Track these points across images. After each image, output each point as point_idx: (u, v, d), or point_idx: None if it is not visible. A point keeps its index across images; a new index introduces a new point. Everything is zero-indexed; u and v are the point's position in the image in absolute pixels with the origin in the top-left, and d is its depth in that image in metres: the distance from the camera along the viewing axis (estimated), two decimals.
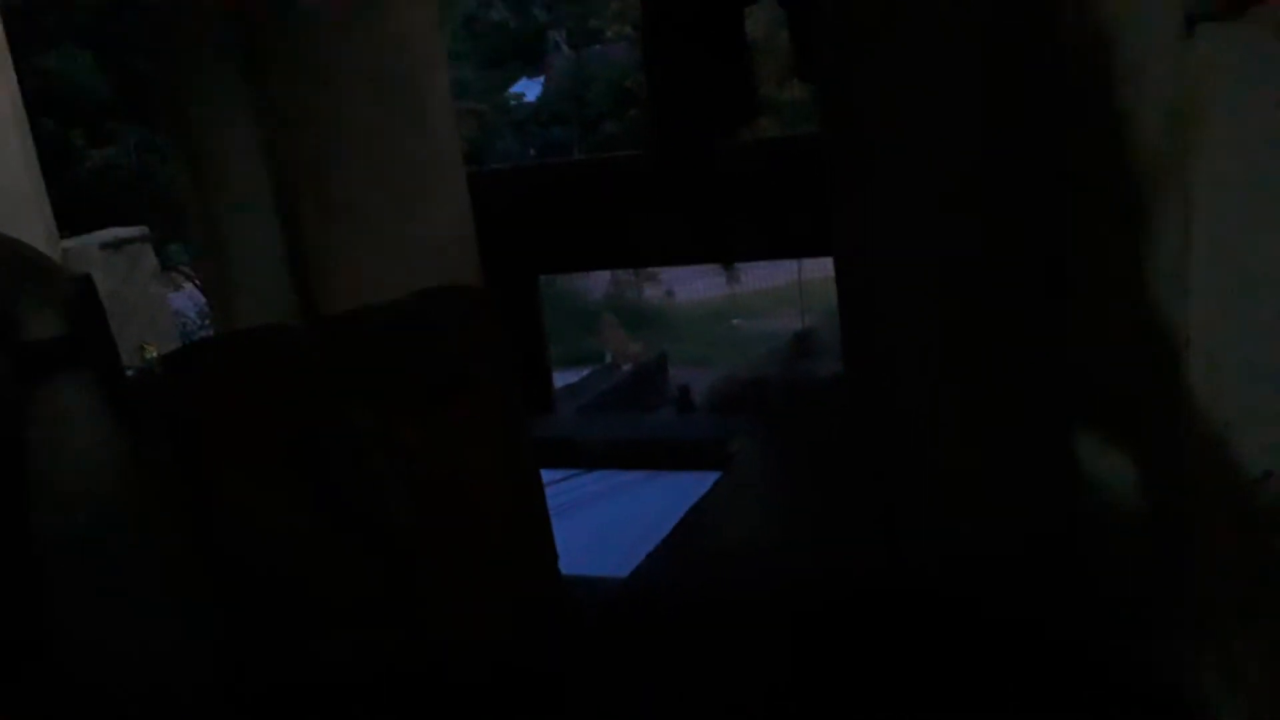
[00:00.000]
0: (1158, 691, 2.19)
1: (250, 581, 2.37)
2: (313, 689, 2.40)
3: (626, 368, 11.45)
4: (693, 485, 4.67)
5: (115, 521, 2.23)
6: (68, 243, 6.66)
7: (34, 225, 5.77)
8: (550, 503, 3.09)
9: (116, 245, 6.96)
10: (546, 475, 4.20)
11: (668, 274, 15.15)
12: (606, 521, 4.81)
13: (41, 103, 9.05)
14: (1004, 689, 2.48)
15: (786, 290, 12.79)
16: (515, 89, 20.15)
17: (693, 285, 15.26)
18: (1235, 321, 1.90)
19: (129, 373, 3.26)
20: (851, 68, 2.76)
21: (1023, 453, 2.66)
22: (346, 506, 2.40)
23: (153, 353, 6.32)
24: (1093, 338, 2.38)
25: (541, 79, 20.15)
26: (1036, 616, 2.55)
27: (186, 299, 11.22)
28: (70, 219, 7.13)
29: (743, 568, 3.33)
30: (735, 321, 14.79)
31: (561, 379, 9.47)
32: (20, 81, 6.28)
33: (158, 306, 7.34)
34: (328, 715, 2.39)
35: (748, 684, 2.68)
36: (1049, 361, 2.52)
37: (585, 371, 10.99)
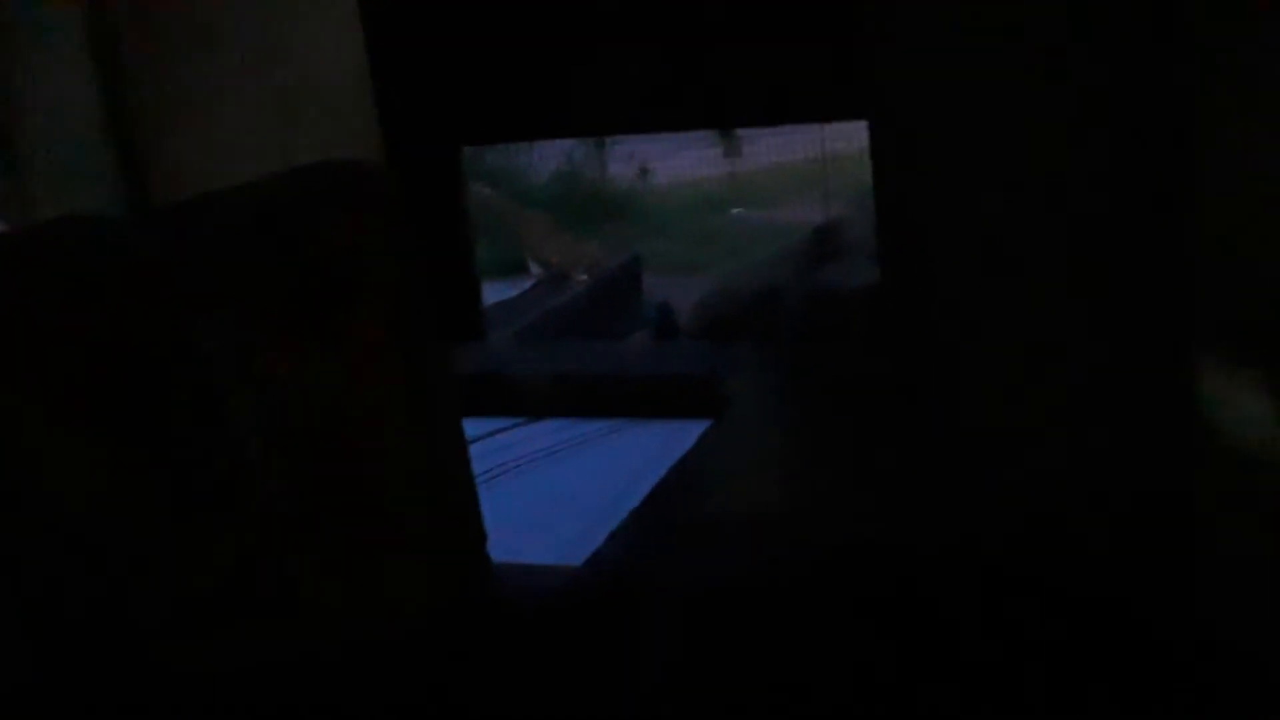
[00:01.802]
0: None
1: (56, 569, 2.38)
2: (154, 708, 2.44)
3: (583, 278, 11.46)
4: (673, 439, 4.71)
5: None
6: None
7: None
8: (479, 464, 3.10)
9: None
10: (474, 425, 4.24)
11: (642, 145, 15.09)
12: (556, 491, 4.83)
13: None
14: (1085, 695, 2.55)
15: (806, 168, 12.80)
16: None
17: (677, 161, 15.23)
18: None
19: None
20: None
21: (1121, 392, 2.71)
22: (190, 463, 2.41)
23: None
24: (1223, 248, 2.42)
25: None
26: (1129, 600, 2.62)
27: None
28: None
29: (735, 551, 3.37)
30: (735, 211, 14.80)
31: (497, 293, 9.47)
32: None
33: None
34: None
35: (735, 702, 2.74)
36: (1161, 276, 2.57)
37: (529, 283, 11.01)
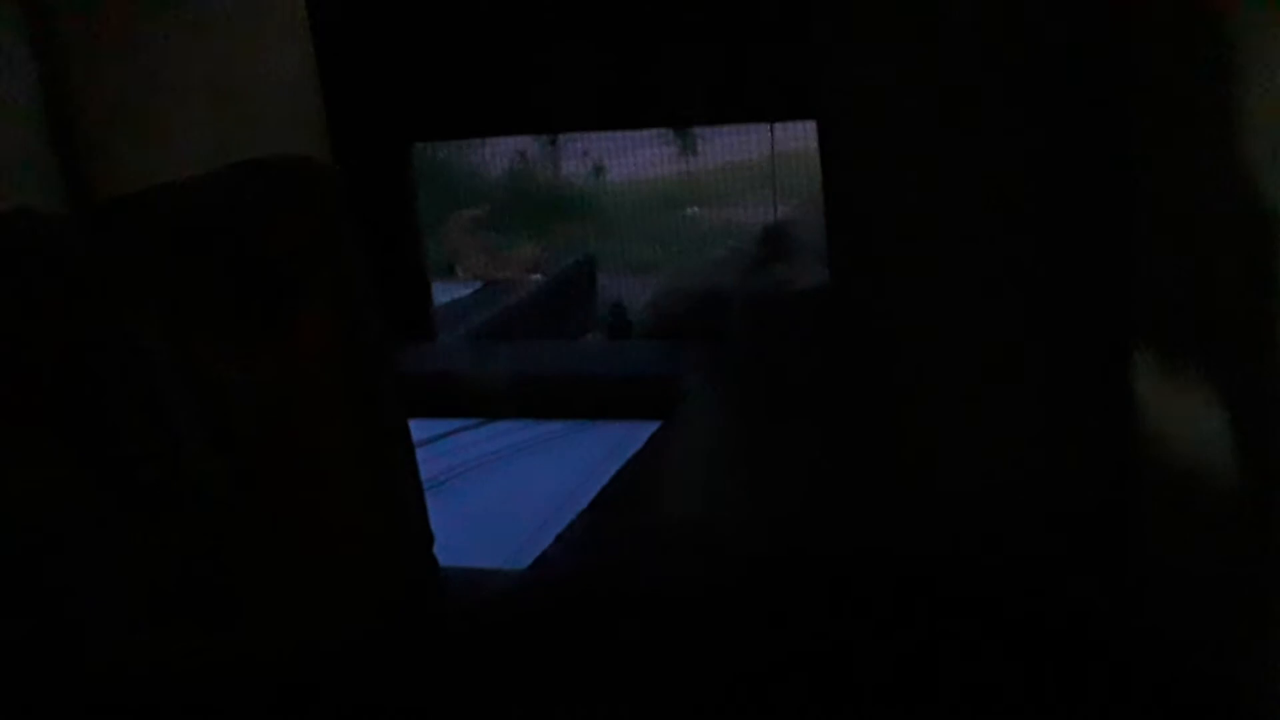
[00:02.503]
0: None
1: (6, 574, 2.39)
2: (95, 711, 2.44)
3: (537, 277, 11.43)
4: (625, 440, 4.73)
5: None
6: None
7: None
8: (429, 467, 3.10)
9: None
10: (425, 427, 4.24)
11: (597, 143, 15.06)
12: (504, 494, 4.85)
13: None
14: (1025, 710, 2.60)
15: (760, 167, 12.82)
16: None
17: (632, 159, 15.20)
18: None
19: None
20: None
21: (1060, 396, 2.75)
22: (130, 460, 2.42)
23: None
24: (1162, 250, 2.46)
25: None
26: (1071, 613, 2.67)
27: None
28: None
29: (684, 554, 3.40)
30: (691, 210, 14.78)
31: (448, 292, 9.44)
32: None
33: None
34: None
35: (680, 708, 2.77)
36: (1100, 279, 2.61)
37: (480, 283, 10.96)
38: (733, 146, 13.70)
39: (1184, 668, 2.48)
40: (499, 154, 14.55)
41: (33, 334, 2.36)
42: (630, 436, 4.79)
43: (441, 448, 5.27)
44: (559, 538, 3.82)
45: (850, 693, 2.71)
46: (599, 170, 15.63)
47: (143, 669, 2.48)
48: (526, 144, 14.56)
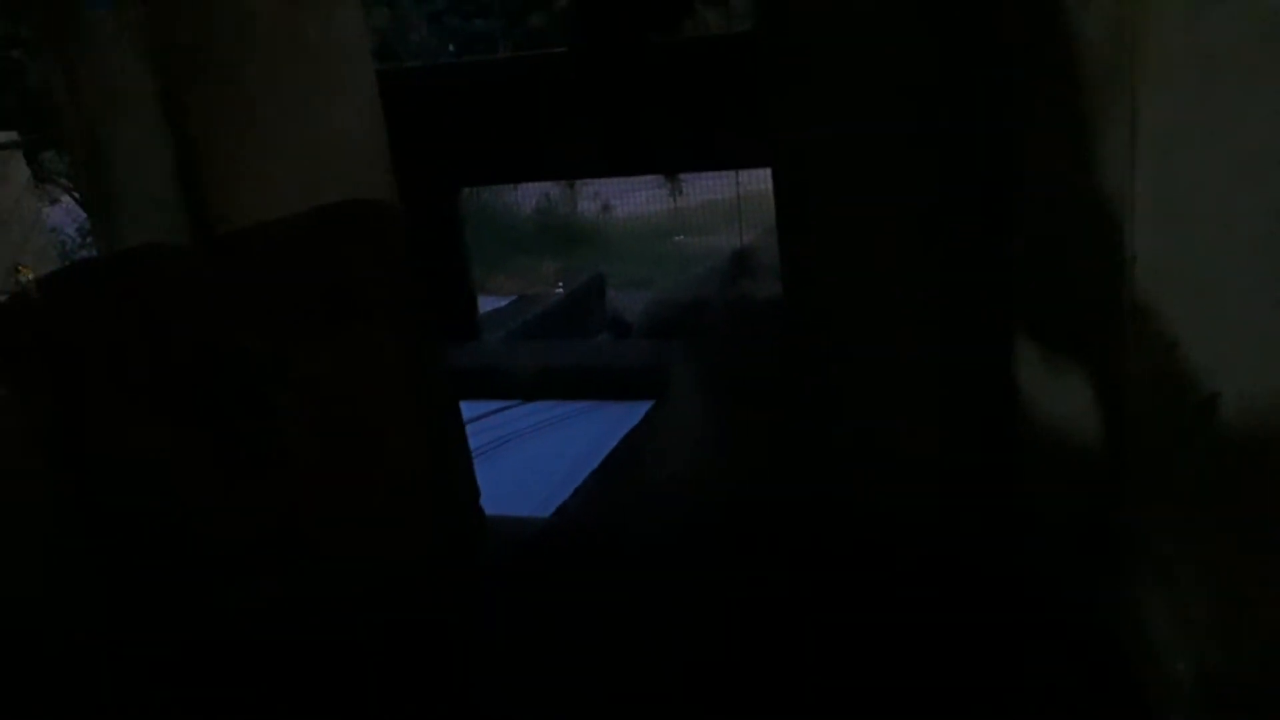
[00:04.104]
0: (1095, 633, 2.32)
1: (134, 527, 2.39)
2: (212, 644, 2.44)
3: (559, 291, 11.43)
4: (628, 415, 4.75)
5: None
6: None
7: None
8: (476, 440, 3.12)
9: None
10: (472, 410, 4.25)
11: (605, 187, 15.07)
12: (534, 457, 4.86)
13: None
14: (936, 625, 2.60)
15: (730, 204, 12.83)
16: None
17: (632, 199, 15.20)
18: (1180, 238, 1.99)
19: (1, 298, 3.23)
20: None
21: (965, 376, 2.76)
22: (239, 439, 2.43)
23: (27, 275, 6.24)
24: (1039, 256, 2.47)
25: None
26: (974, 549, 2.67)
27: (64, 214, 11.00)
28: None
29: (673, 502, 3.41)
30: (678, 238, 14.78)
31: (489, 303, 9.45)
32: None
33: (32, 222, 7.22)
34: (228, 669, 2.44)
35: (678, 626, 2.77)
36: (995, 282, 2.61)
37: (514, 296, 10.98)
38: (709, 189, 13.76)
39: (1051, 592, 2.48)
40: (529, 195, 14.61)
41: (164, 340, 2.36)
42: (630, 414, 4.80)
43: (484, 424, 5.29)
44: (575, 492, 3.83)
45: (797, 606, 2.74)
46: (606, 208, 15.73)
47: (251, 598, 2.49)
48: (550, 187, 14.61)
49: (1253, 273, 1.92)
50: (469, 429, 3.12)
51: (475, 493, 2.89)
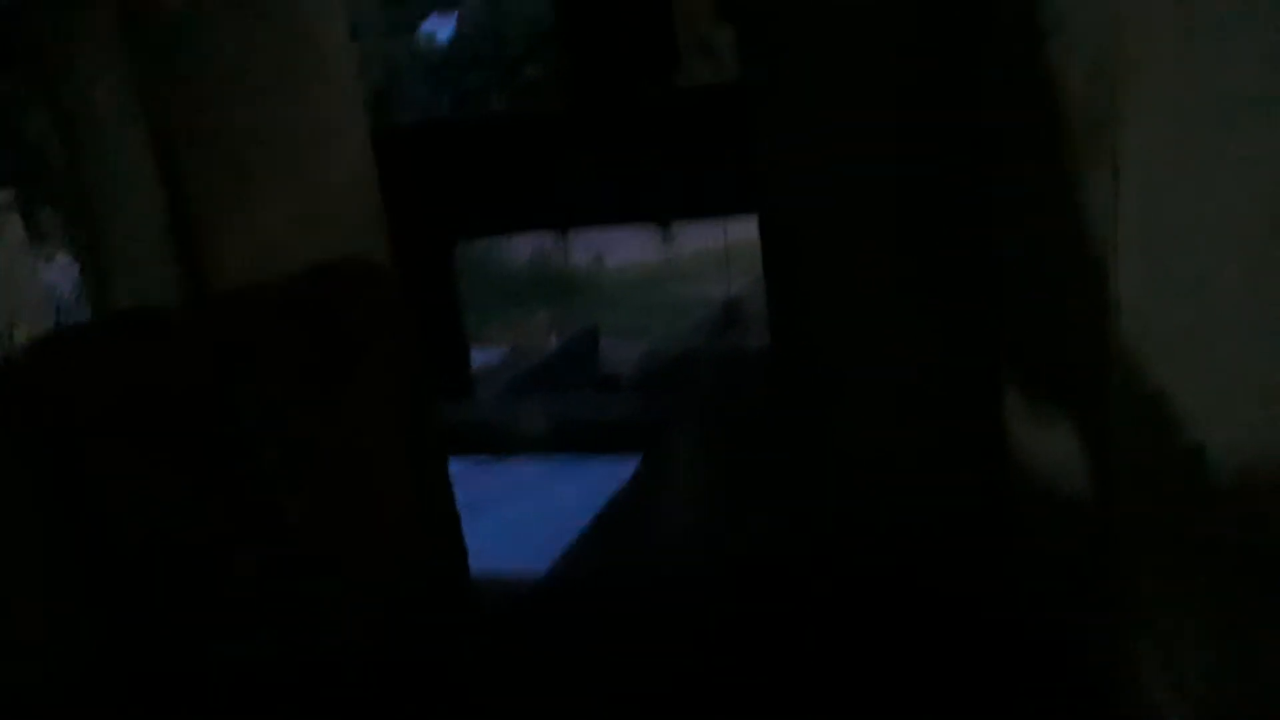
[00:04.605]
0: (1092, 675, 2.32)
1: (131, 578, 2.39)
2: (203, 690, 2.44)
3: (553, 341, 11.43)
4: (619, 471, 4.74)
5: None
6: None
7: None
8: (466, 497, 3.12)
9: None
10: (465, 465, 4.24)
11: (598, 238, 15.13)
12: (526, 514, 4.85)
13: None
14: (936, 669, 2.60)
15: (724, 253, 12.89)
16: (424, 28, 19.84)
17: (625, 249, 15.27)
18: (1166, 284, 2.01)
19: None
20: (771, 4, 2.84)
21: (953, 427, 2.77)
22: (235, 498, 2.44)
23: (23, 333, 6.24)
24: (1023, 303, 2.49)
25: (454, 16, 19.87)
26: (971, 595, 2.68)
27: (60, 272, 11.01)
28: None
29: (662, 562, 3.41)
30: (670, 286, 14.83)
31: (483, 356, 9.45)
32: None
33: (27, 280, 7.24)
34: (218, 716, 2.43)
35: (666, 682, 2.77)
36: (980, 332, 2.64)
37: (509, 348, 10.97)
38: (700, 237, 13.82)
39: (1042, 627, 2.49)
40: (522, 246, 14.69)
41: (163, 405, 2.38)
42: (621, 469, 4.79)
43: (475, 480, 5.28)
44: (566, 551, 3.82)
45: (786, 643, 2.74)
46: (599, 258, 15.79)
47: (238, 650, 2.48)
48: (543, 239, 14.68)
49: (1238, 319, 1.94)
50: (461, 486, 3.12)
51: (462, 550, 2.89)
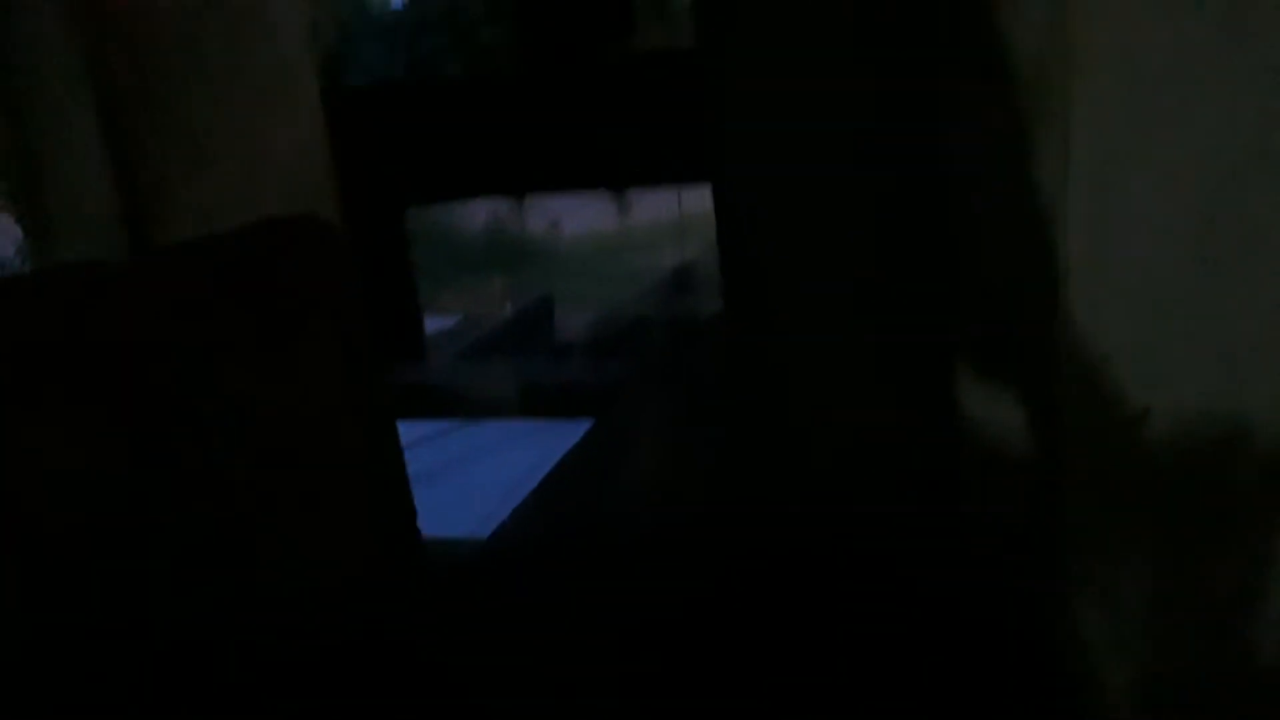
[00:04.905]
0: (1036, 637, 2.34)
1: (56, 544, 2.35)
2: (138, 660, 2.40)
3: (506, 311, 11.37)
4: (569, 434, 4.74)
5: None
6: None
7: None
8: (417, 463, 3.09)
9: None
10: (416, 431, 4.22)
11: (553, 205, 15.04)
12: (472, 478, 4.84)
13: None
14: (875, 633, 2.61)
15: (680, 222, 12.87)
16: None
17: (580, 217, 15.19)
18: (1114, 252, 2.01)
19: None
20: None
21: (903, 390, 2.78)
22: (171, 457, 2.39)
23: None
24: (973, 269, 2.49)
25: None
26: (918, 560, 2.69)
27: (2, 235, 10.80)
28: None
29: (609, 520, 3.41)
30: (626, 255, 14.78)
31: (436, 323, 9.39)
32: None
33: None
34: (156, 689, 2.40)
35: (614, 642, 2.77)
36: (933, 298, 2.64)
37: (460, 315, 10.89)
38: (655, 207, 13.78)
39: (993, 590, 2.51)
40: (476, 212, 14.57)
41: (93, 355, 2.33)
42: (571, 431, 4.79)
43: (427, 448, 5.27)
44: (513, 512, 3.81)
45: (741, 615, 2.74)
46: (555, 225, 15.70)
47: (185, 609, 2.45)
48: (498, 205, 14.57)
49: (1184, 285, 1.95)
50: (409, 452, 3.09)
51: (411, 510, 2.86)
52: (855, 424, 2.88)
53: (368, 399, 2.69)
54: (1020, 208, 2.21)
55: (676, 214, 13.31)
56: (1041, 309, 2.14)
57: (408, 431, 3.07)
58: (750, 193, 2.89)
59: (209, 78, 3.74)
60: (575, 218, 15.10)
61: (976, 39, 2.27)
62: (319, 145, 4.12)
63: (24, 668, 2.29)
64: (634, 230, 14.88)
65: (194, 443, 2.39)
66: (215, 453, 2.41)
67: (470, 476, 4.84)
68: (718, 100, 2.88)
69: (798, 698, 2.54)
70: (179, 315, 2.43)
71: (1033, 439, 2.33)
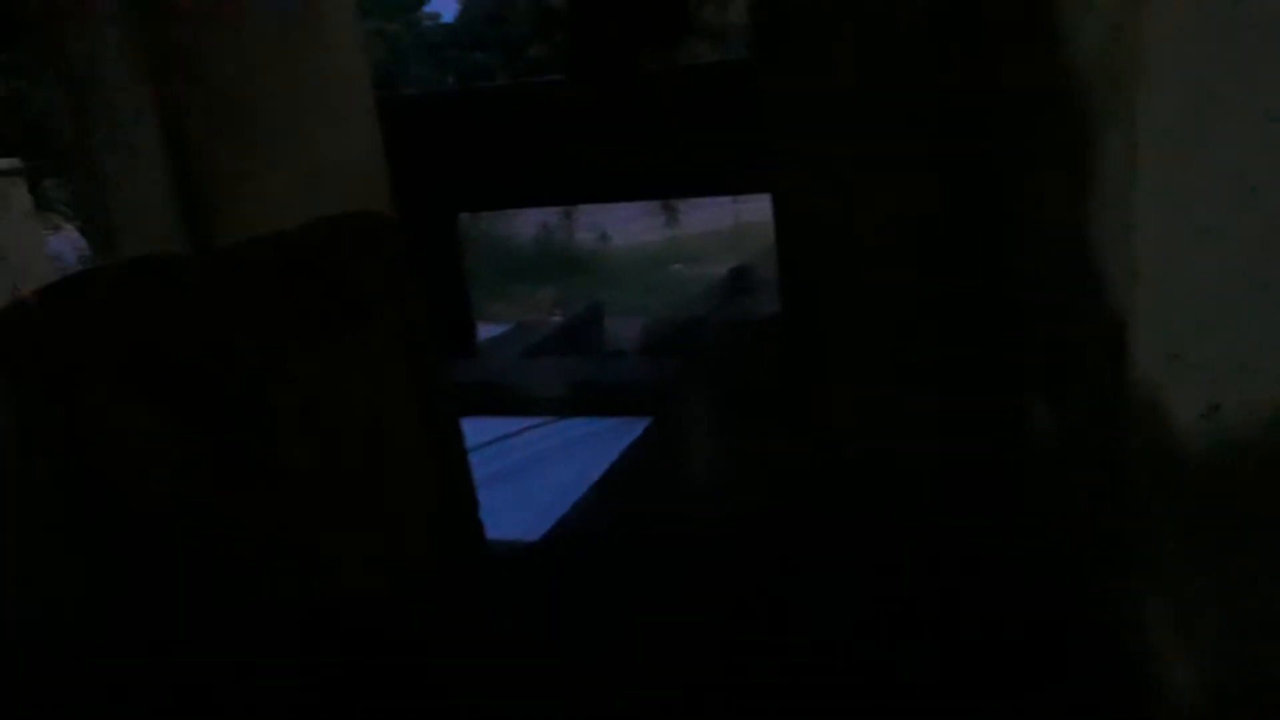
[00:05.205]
0: (1103, 630, 2.31)
1: (141, 531, 2.38)
2: (209, 637, 2.43)
3: (557, 319, 11.41)
4: (623, 431, 4.74)
5: None
6: None
7: None
8: (481, 469, 3.10)
9: None
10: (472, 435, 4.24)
11: (602, 216, 15.11)
12: (531, 477, 4.85)
13: None
14: (939, 633, 2.59)
15: (729, 233, 12.88)
16: (430, 8, 19.79)
17: (629, 228, 15.26)
18: (1181, 254, 1.99)
19: None
20: None
21: (962, 390, 2.76)
22: (240, 444, 2.42)
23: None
24: (1035, 270, 2.47)
25: None
26: (982, 556, 2.67)
27: (65, 241, 11.01)
28: None
29: (670, 514, 3.40)
30: (675, 267, 14.80)
31: (488, 330, 9.45)
32: None
33: (32, 249, 7.20)
34: (223, 663, 2.42)
35: (671, 632, 2.76)
36: (991, 297, 2.62)
37: (513, 323, 10.96)
38: (706, 219, 13.81)
39: (1054, 584, 2.48)
40: (527, 223, 14.65)
41: (164, 346, 2.36)
42: (629, 428, 4.79)
43: (492, 449, 5.29)
44: (573, 507, 3.81)
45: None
46: (604, 237, 15.74)
47: (247, 597, 2.47)
48: (548, 214, 14.65)
49: (1250, 286, 1.92)
50: (481, 453, 3.11)
51: (474, 502, 2.87)
52: (908, 415, 2.86)
53: (429, 391, 2.70)
54: (1087, 211, 2.19)
55: (723, 225, 13.32)
56: (1110, 310, 2.12)
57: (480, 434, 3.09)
58: (808, 197, 2.89)
59: (264, 82, 3.78)
60: (624, 229, 15.17)
61: (1039, 45, 2.26)
62: (374, 151, 4.15)
63: (92, 625, 2.33)
64: (681, 240, 14.91)
65: (262, 431, 2.41)
66: (283, 442, 2.43)
67: (527, 476, 4.86)
68: (775, 108, 2.89)
69: (860, 694, 2.52)
70: (249, 308, 2.46)
71: (1099, 438, 2.31)
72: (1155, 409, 2.08)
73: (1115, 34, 2.04)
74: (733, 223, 12.48)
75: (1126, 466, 2.20)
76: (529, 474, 4.94)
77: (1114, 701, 2.26)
